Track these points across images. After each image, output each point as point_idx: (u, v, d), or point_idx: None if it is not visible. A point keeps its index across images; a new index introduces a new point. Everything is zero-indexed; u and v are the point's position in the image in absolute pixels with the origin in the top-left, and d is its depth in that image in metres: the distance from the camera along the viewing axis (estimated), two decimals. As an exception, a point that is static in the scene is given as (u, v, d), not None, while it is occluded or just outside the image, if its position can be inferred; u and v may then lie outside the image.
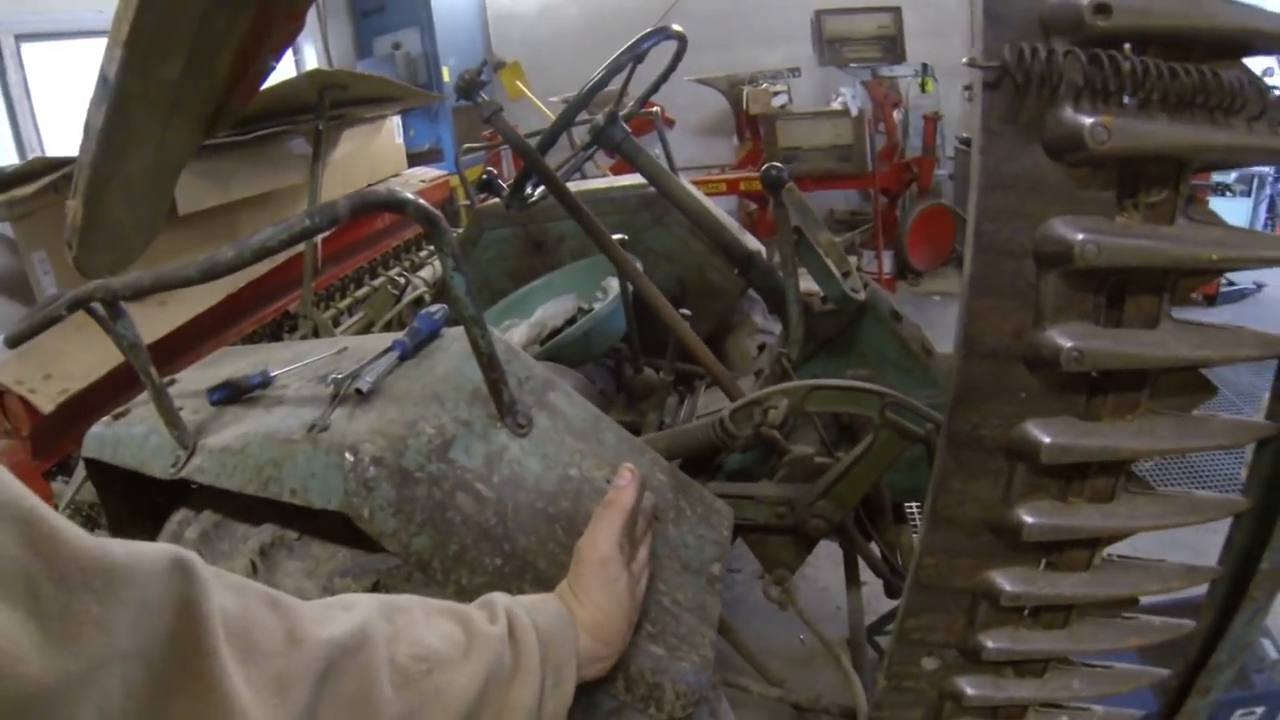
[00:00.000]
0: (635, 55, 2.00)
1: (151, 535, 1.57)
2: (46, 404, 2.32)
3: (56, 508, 2.35)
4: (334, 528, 1.29)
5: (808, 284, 2.02)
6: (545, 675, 0.88)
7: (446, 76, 6.63)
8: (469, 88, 1.91)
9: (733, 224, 2.42)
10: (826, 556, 2.62)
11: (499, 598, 0.93)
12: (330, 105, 2.90)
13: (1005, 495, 0.93)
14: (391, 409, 1.20)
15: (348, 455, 1.12)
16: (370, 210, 1.11)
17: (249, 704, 0.58)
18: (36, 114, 5.13)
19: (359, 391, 1.23)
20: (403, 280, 3.44)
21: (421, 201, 1.12)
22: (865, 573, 1.96)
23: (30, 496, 0.50)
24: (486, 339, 1.18)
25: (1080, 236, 0.78)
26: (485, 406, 1.24)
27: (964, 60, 0.80)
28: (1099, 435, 0.88)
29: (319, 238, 2.78)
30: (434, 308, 1.43)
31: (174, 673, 0.56)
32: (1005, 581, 0.97)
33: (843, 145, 5.15)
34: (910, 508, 2.32)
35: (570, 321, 2.35)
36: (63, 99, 5.12)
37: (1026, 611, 1.02)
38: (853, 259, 2.17)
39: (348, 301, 3.43)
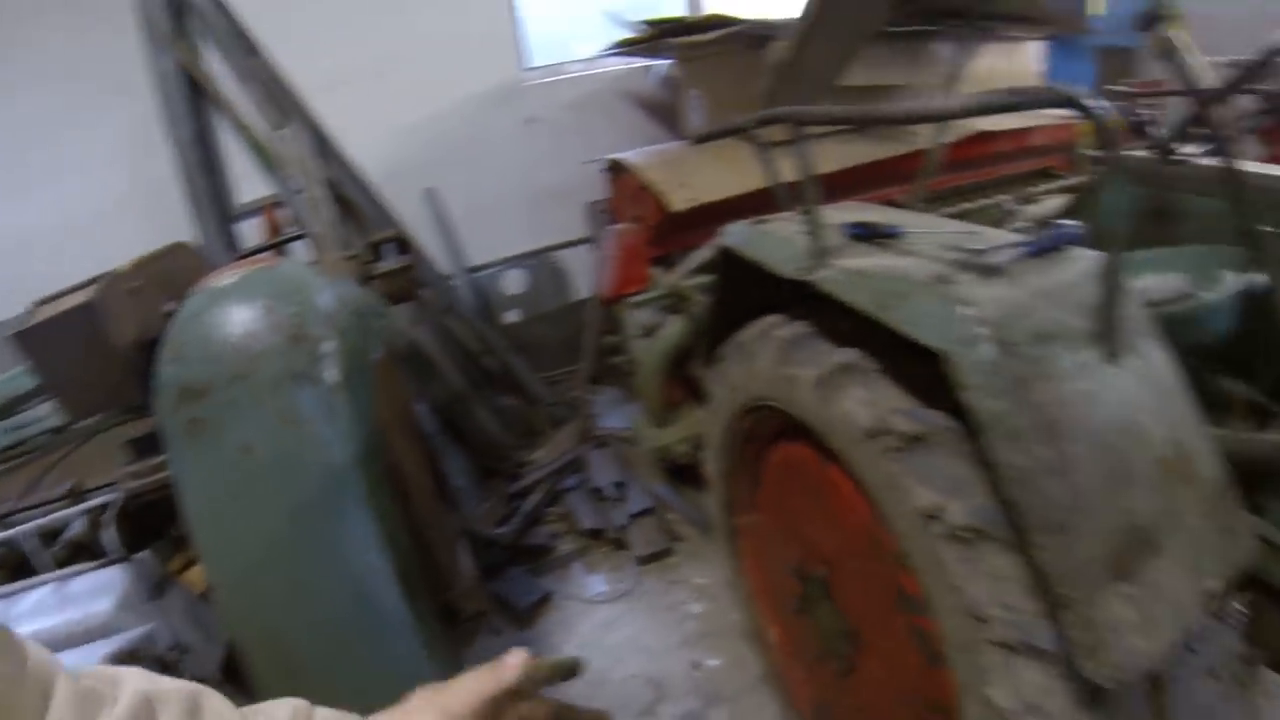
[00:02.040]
0: None
1: (733, 328, 1.89)
2: (678, 204, 2.82)
3: (653, 287, 2.88)
4: (901, 380, 1.45)
5: None
6: None
7: (1094, 8, 6.15)
8: (1150, 18, 1.82)
9: None
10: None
11: (280, 713, 0.77)
12: (979, 15, 2.96)
13: None
14: (1011, 290, 1.30)
15: (965, 309, 1.24)
16: (1059, 105, 1.18)
17: None
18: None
19: (988, 266, 1.35)
20: (1009, 208, 3.43)
21: (1106, 111, 1.16)
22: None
23: None
24: (1118, 259, 1.22)
25: None
26: (1090, 324, 1.29)
27: None
28: None
29: (945, 139, 2.89)
30: (1072, 224, 1.48)
31: None
32: None
33: None
34: None
35: (1175, 300, 2.20)
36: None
37: None
38: None
39: (952, 210, 3.51)
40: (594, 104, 4.71)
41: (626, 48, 4.06)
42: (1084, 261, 1.37)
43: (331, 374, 1.78)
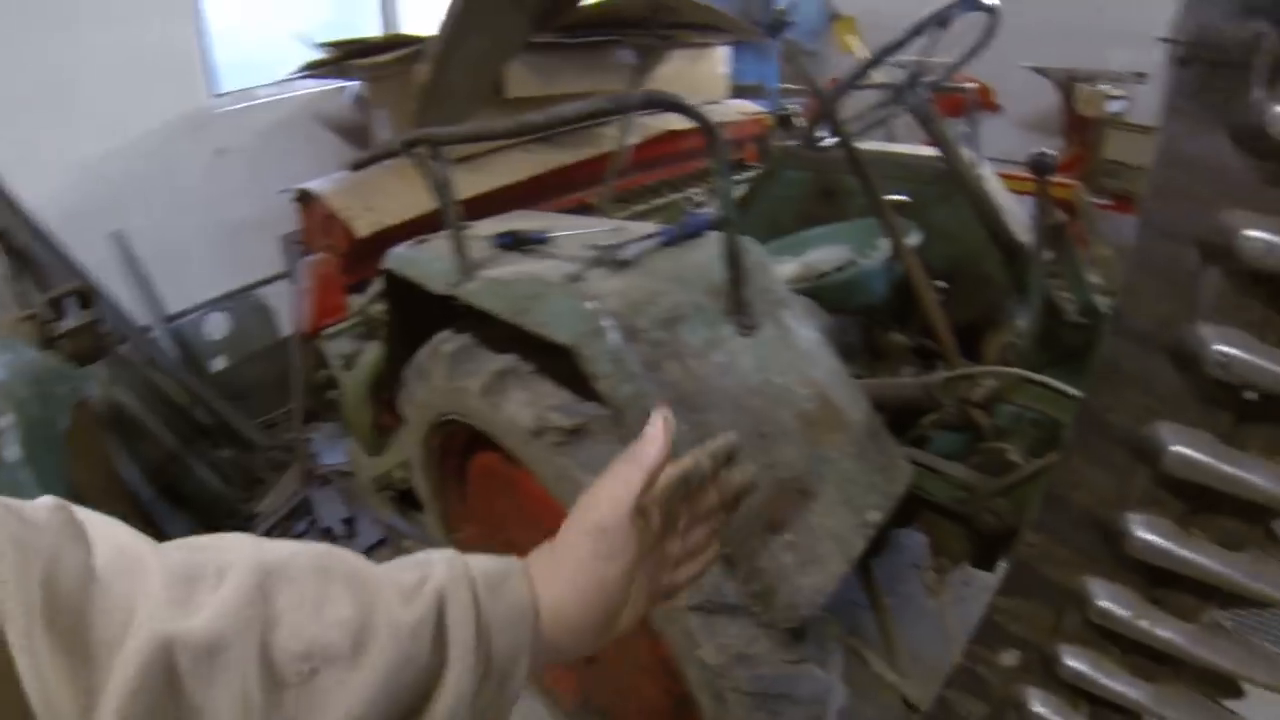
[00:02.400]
0: (938, 19, 2.04)
1: (417, 347, 1.87)
2: (363, 229, 2.75)
3: (348, 315, 2.79)
4: (559, 377, 1.49)
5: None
6: (482, 680, 0.67)
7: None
8: (775, 25, 2.02)
9: (1018, 217, 2.38)
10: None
11: (439, 564, 0.68)
12: (660, 25, 3.12)
13: (1120, 495, 0.86)
14: (640, 279, 1.37)
15: (590, 303, 1.29)
16: (660, 107, 1.28)
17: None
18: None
19: (618, 260, 1.41)
20: (697, 201, 3.59)
21: (704, 109, 1.26)
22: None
23: None
24: (735, 240, 1.32)
25: (1252, 234, 0.71)
26: (721, 301, 1.38)
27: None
28: (1237, 465, 0.78)
29: (631, 140, 3.00)
30: (707, 211, 1.58)
31: None
32: (1099, 593, 0.89)
33: (1175, 173, 4.65)
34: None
35: (838, 270, 2.42)
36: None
37: (1117, 645, 0.94)
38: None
39: (643, 207, 3.62)
40: (289, 130, 4.47)
41: (316, 70, 3.91)
42: (716, 245, 1.47)
43: (11, 451, 1.66)
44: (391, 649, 0.61)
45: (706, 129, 1.26)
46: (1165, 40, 0.74)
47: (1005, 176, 2.53)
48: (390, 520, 3.04)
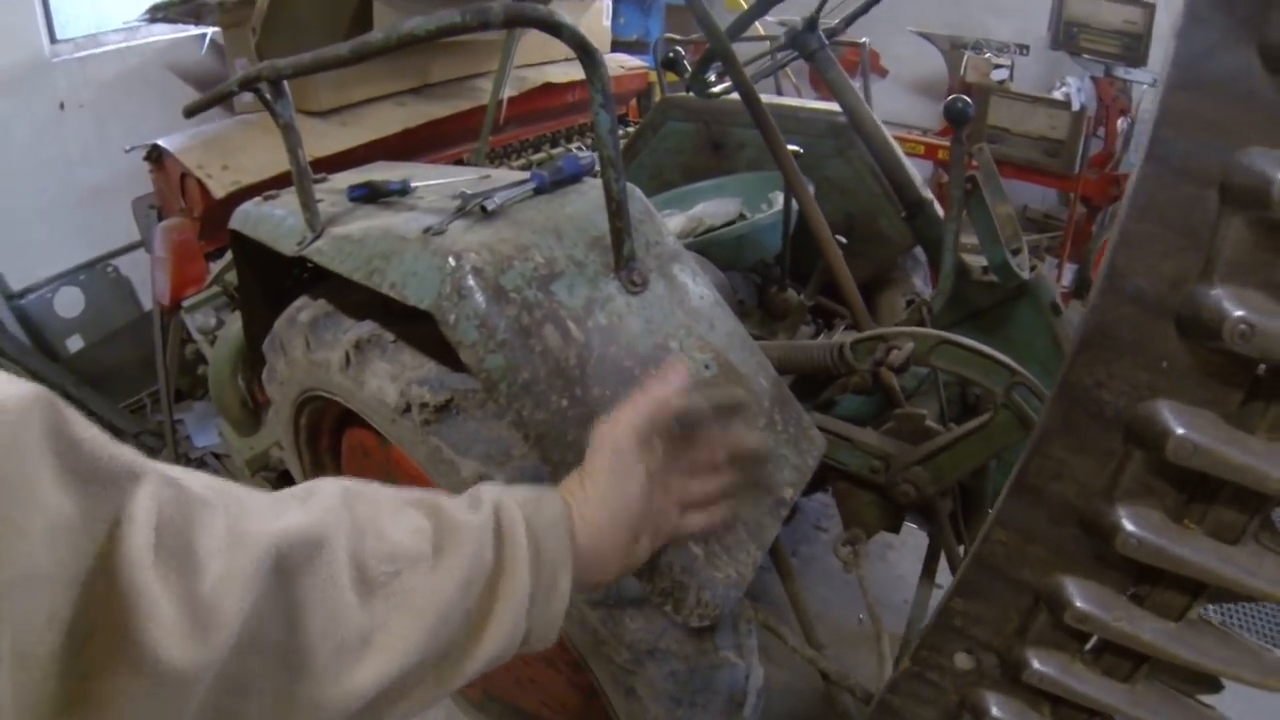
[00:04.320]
0: None
1: (275, 317, 1.67)
2: (219, 190, 2.49)
3: (209, 285, 2.54)
4: (430, 343, 1.32)
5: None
6: (536, 580, 0.73)
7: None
8: None
9: (914, 172, 2.30)
10: (913, 548, 2.52)
11: (486, 488, 0.78)
12: (536, -31, 2.91)
13: (1110, 485, 0.74)
14: (509, 231, 1.20)
15: (450, 260, 1.12)
16: (525, 23, 1.08)
17: (170, 631, 0.47)
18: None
19: (483, 209, 1.24)
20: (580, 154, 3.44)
21: (578, 29, 1.09)
22: (944, 575, 1.79)
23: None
24: (620, 184, 1.16)
25: None
26: (604, 256, 1.23)
27: None
28: (1245, 451, 0.66)
29: (504, 94, 2.80)
30: (585, 154, 1.41)
31: (94, 599, 0.45)
32: (1077, 594, 0.78)
33: (1054, 139, 4.76)
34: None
35: (729, 225, 2.29)
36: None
37: (1090, 645, 0.84)
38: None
39: (520, 163, 3.46)
40: (140, 82, 4.07)
41: (164, 13, 3.55)
42: (599, 191, 1.30)
43: None
44: (466, 551, 0.69)
45: (580, 49, 1.09)
46: None
47: (897, 139, 2.45)
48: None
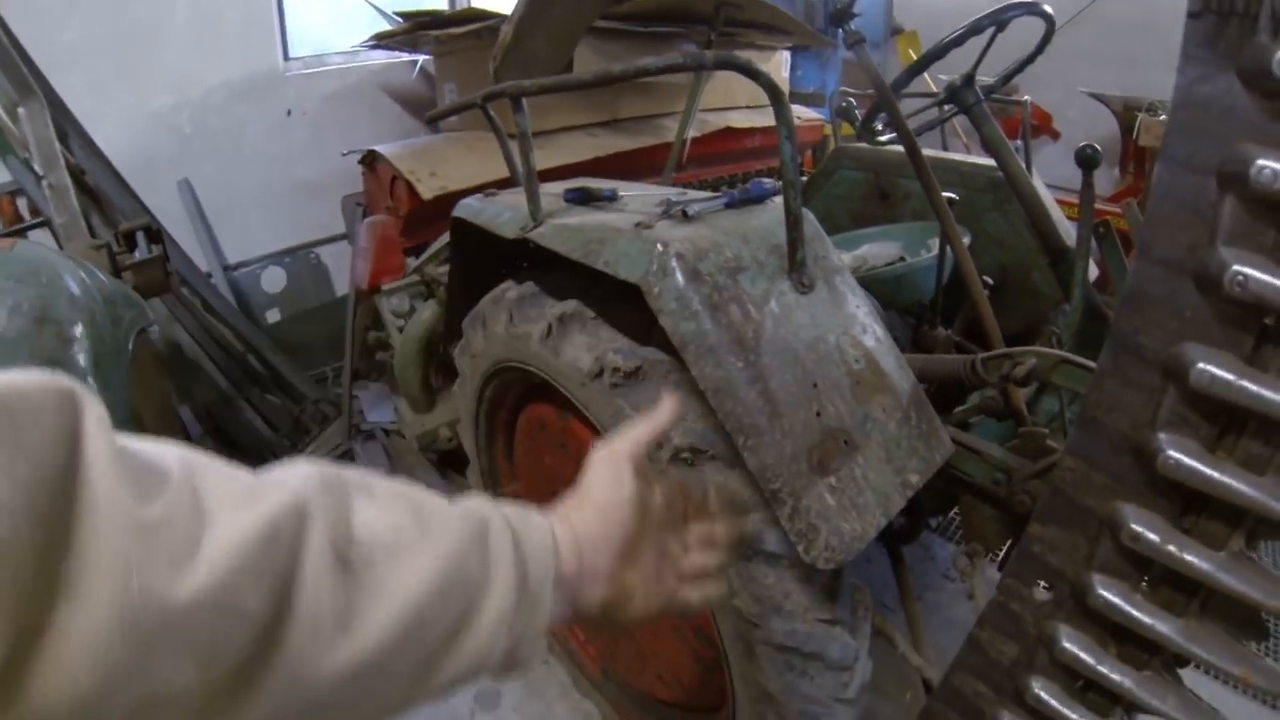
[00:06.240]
0: (995, 21, 2.07)
1: (476, 301, 1.95)
2: (427, 193, 2.84)
3: (406, 274, 2.88)
4: (624, 322, 1.55)
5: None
6: (519, 594, 0.70)
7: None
8: (840, 15, 2.04)
9: (1065, 224, 2.41)
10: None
11: (470, 498, 0.74)
12: (724, 21, 3.18)
13: (1153, 417, 0.92)
14: (705, 231, 1.43)
15: (659, 246, 1.35)
16: (731, 67, 1.33)
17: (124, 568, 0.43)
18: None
19: (684, 213, 1.47)
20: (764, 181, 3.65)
21: (772, 76, 1.32)
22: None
23: None
24: (798, 202, 1.37)
25: (1263, 163, 0.79)
26: (780, 260, 1.43)
27: None
28: (1260, 384, 0.83)
29: (689, 135, 3.05)
30: (769, 181, 1.63)
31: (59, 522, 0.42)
32: (1132, 517, 0.95)
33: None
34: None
35: (889, 265, 2.46)
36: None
37: (1147, 579, 0.99)
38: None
39: None
40: (355, 97, 4.61)
41: (385, 40, 4.02)
42: (776, 210, 1.52)
43: (81, 360, 1.68)
44: (444, 552, 0.65)
45: (771, 91, 1.32)
46: None
47: (1061, 202, 2.56)
48: (428, 480, 3.12)
